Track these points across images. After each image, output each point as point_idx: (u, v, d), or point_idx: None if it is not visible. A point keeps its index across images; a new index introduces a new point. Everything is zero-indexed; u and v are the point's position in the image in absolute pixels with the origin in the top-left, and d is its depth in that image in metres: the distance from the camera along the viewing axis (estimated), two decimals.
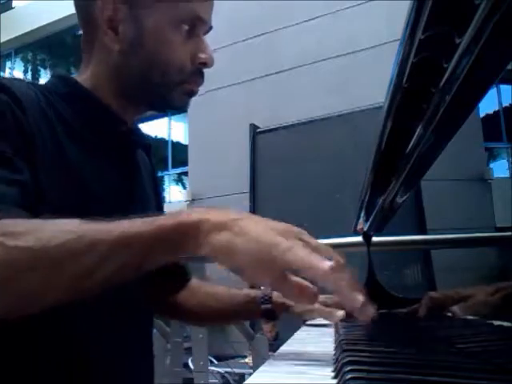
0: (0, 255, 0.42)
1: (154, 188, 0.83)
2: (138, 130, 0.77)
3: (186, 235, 0.46)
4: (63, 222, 0.46)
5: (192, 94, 0.71)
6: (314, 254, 0.42)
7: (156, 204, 0.83)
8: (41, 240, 0.44)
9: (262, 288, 0.83)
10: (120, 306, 0.65)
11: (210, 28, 0.72)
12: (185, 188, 8.36)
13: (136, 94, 0.70)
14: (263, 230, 0.44)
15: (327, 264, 0.41)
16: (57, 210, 0.57)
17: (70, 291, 0.46)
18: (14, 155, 0.55)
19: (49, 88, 0.68)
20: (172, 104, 0.71)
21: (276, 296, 0.85)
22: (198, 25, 0.68)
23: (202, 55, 0.69)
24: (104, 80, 0.69)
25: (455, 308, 0.76)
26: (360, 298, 0.42)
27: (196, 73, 0.70)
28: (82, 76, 0.71)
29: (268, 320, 0.87)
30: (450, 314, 0.78)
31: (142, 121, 5.25)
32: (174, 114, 7.50)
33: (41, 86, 0.68)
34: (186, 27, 0.67)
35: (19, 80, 0.67)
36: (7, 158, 0.54)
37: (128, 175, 0.73)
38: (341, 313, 0.41)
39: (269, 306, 0.85)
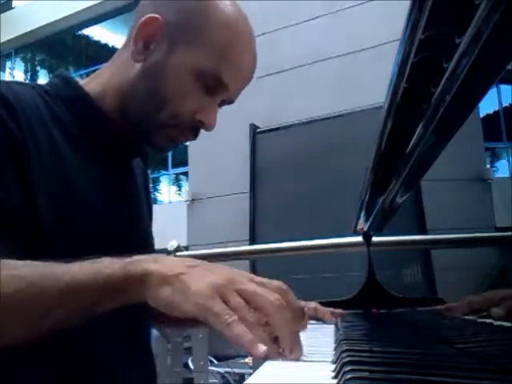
0: None
1: (145, 194, 0.83)
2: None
3: (132, 286, 0.48)
4: (18, 265, 0.48)
5: (174, 141, 0.70)
6: (246, 331, 0.43)
7: (148, 210, 0.83)
8: None
9: None
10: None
11: (231, 102, 0.71)
12: (180, 189, 8.36)
13: (130, 116, 0.69)
14: (203, 291, 0.45)
15: (260, 349, 0.42)
16: (51, 220, 0.58)
17: (23, 334, 0.48)
18: (1, 174, 0.55)
19: (50, 90, 0.67)
20: (151, 141, 0.70)
21: None
22: (218, 87, 0.67)
23: (204, 115, 0.67)
24: (113, 90, 0.69)
25: (496, 310, 0.71)
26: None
27: (189, 126, 0.68)
28: (93, 81, 0.71)
29: None
30: (488, 320, 0.73)
31: None
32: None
33: (41, 87, 0.68)
34: (207, 83, 0.66)
35: (18, 83, 0.67)
36: None
37: (123, 184, 0.73)
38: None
39: None
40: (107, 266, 0.49)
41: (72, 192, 0.62)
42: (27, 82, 0.73)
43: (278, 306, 0.45)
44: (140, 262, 0.48)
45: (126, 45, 0.70)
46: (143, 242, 0.78)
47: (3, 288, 0.45)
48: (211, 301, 0.44)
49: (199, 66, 0.65)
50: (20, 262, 0.48)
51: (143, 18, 0.66)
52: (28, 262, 0.49)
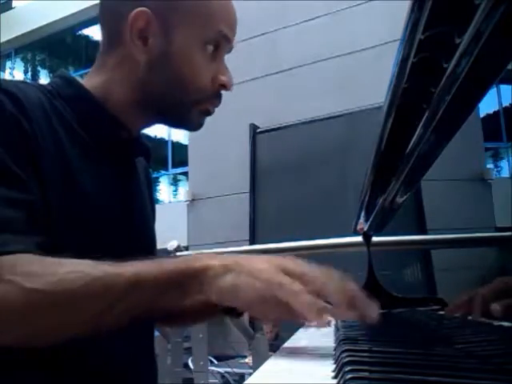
0: (19, 297, 0.46)
1: (149, 193, 0.83)
2: (141, 137, 0.77)
3: (195, 280, 0.49)
4: (77, 263, 0.49)
5: (208, 113, 0.72)
6: (314, 301, 0.45)
7: (151, 210, 0.83)
8: (56, 284, 0.47)
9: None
10: None
11: (231, 48, 0.72)
12: (176, 190, 8.37)
13: (153, 108, 0.70)
14: (267, 268, 0.47)
15: (324, 321, 0.44)
16: (60, 218, 0.58)
17: (84, 330, 0.50)
18: (23, 171, 0.55)
19: (52, 89, 0.67)
20: (188, 123, 0.72)
21: None
22: (222, 44, 0.69)
23: (223, 78, 0.70)
24: (120, 88, 0.69)
25: (495, 306, 0.68)
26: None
27: (214, 94, 0.70)
28: (92, 80, 0.70)
29: (231, 317, 0.88)
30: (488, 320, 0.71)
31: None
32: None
33: (43, 86, 0.68)
34: (211, 48, 0.68)
35: (22, 82, 0.66)
36: (15, 176, 0.55)
37: (127, 183, 0.73)
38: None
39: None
40: (169, 262, 0.50)
41: (77, 192, 0.62)
42: (28, 81, 0.73)
43: (343, 276, 0.48)
44: (199, 258, 0.50)
45: (112, 43, 0.69)
46: (149, 240, 0.78)
47: (68, 284, 0.47)
48: (278, 275, 0.46)
49: (205, 38, 0.67)
50: (80, 260, 0.49)
51: (132, 15, 0.65)
52: (86, 260, 0.50)
